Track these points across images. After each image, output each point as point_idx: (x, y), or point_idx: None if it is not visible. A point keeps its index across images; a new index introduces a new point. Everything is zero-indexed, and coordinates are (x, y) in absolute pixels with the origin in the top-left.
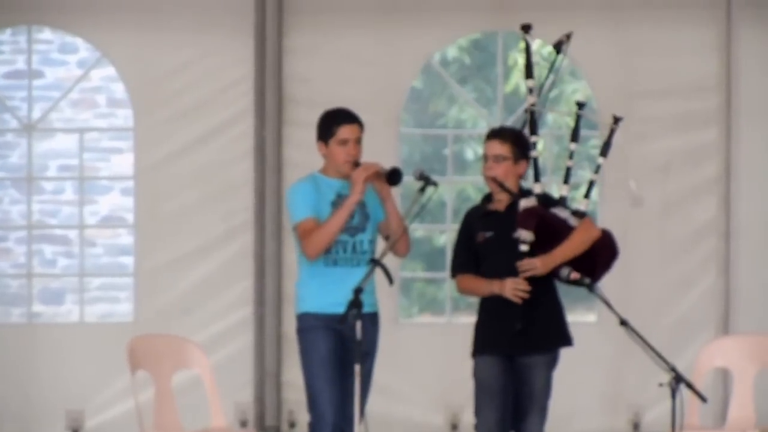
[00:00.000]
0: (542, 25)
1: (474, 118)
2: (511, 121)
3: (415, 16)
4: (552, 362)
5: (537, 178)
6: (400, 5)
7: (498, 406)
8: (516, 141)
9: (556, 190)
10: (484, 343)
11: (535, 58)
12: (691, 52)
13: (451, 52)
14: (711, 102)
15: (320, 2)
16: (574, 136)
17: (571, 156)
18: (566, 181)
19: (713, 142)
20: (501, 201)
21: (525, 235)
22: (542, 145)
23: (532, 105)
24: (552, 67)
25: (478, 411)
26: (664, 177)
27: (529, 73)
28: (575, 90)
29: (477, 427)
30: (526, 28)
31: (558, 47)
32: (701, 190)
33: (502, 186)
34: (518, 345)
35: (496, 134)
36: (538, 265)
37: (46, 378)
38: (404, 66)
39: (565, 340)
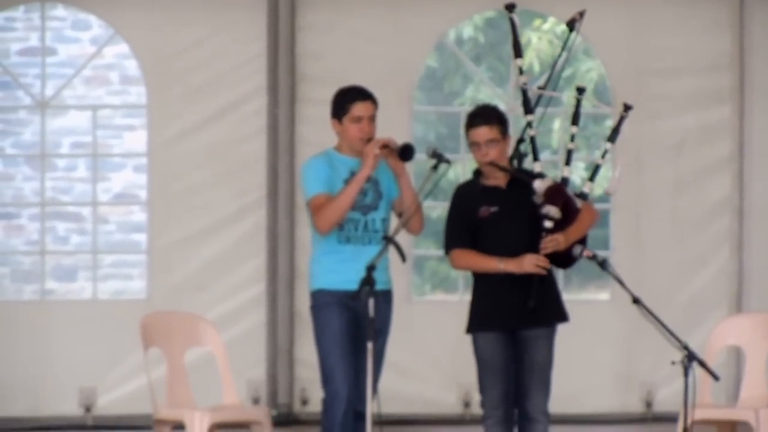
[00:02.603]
0: (556, 3)
1: (490, 97)
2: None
3: None
4: (552, 336)
5: (536, 158)
6: None
7: (502, 382)
8: (500, 119)
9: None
10: (484, 319)
11: (548, 37)
12: (704, 31)
13: (467, 31)
14: (724, 80)
15: None
16: (575, 120)
17: (572, 138)
18: (567, 162)
19: (726, 120)
20: (499, 178)
21: (554, 211)
22: (558, 125)
23: (524, 84)
24: (565, 45)
25: (483, 388)
26: (677, 155)
27: (517, 52)
28: (589, 69)
29: (483, 404)
30: (509, 7)
31: (571, 25)
32: (714, 168)
33: (502, 168)
34: (521, 319)
35: (481, 120)
36: (561, 241)
37: (59, 355)
38: (417, 44)
39: (564, 315)
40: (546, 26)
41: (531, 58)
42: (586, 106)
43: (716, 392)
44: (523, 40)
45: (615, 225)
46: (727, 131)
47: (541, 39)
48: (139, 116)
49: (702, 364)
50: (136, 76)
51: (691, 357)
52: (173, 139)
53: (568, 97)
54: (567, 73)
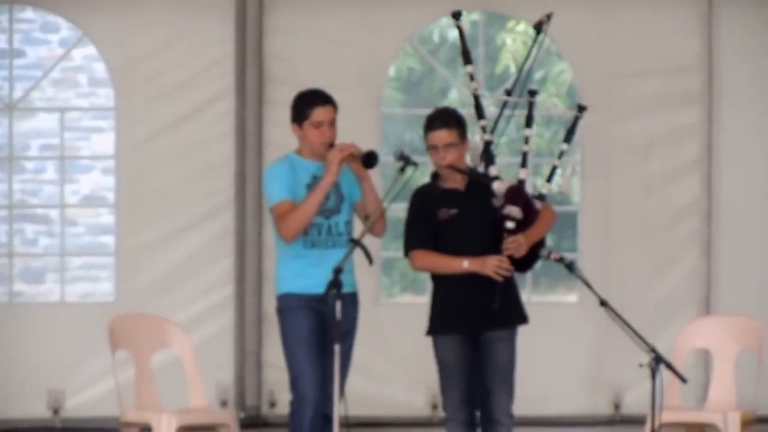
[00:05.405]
0: (525, 6)
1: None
2: (491, 102)
3: None
4: (514, 337)
5: (492, 162)
6: None
7: (464, 385)
8: (459, 123)
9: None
10: (445, 321)
11: (523, 38)
12: (673, 33)
13: (453, 33)
14: (693, 82)
15: None
16: (528, 123)
17: (526, 141)
18: (524, 164)
19: (695, 122)
20: (457, 180)
21: (515, 212)
22: (535, 130)
23: (475, 89)
24: (531, 48)
25: (445, 391)
26: (646, 157)
27: (466, 59)
28: (562, 71)
29: (445, 406)
30: (456, 15)
31: (538, 28)
32: (683, 170)
33: (460, 171)
34: (483, 321)
35: (440, 124)
36: (523, 243)
37: (27, 357)
38: (385, 45)
39: (524, 317)
40: (519, 27)
41: (507, 60)
42: (557, 106)
43: (684, 395)
44: (497, 42)
45: (583, 227)
46: (695, 133)
47: (515, 40)
48: (107, 119)
49: (669, 367)
50: (104, 79)
51: (658, 359)
52: (141, 141)
53: (542, 100)
54: (539, 75)
